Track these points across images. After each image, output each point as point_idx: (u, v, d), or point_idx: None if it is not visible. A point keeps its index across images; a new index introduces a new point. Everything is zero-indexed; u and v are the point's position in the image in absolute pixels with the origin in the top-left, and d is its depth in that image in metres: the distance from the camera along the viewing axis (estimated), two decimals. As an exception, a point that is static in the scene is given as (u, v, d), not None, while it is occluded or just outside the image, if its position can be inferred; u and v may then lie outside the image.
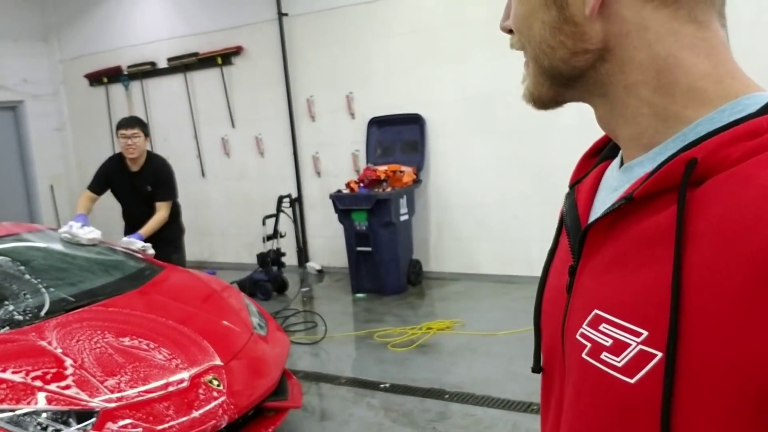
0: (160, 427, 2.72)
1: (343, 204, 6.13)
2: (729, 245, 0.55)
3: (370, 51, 6.67)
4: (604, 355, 0.62)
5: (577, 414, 0.68)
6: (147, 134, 4.66)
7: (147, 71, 8.26)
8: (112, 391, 2.80)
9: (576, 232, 0.72)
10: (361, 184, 6.19)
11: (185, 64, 7.91)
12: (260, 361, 3.39)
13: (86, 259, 4.02)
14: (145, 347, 3.11)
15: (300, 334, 5.21)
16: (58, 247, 4.05)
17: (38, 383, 2.74)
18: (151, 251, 4.29)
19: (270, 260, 6.37)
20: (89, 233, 4.09)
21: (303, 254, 7.38)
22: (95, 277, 3.85)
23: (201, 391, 2.96)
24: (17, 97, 8.66)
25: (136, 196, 4.68)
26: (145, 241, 4.42)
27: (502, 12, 0.74)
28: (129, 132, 4.51)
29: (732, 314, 0.53)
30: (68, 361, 2.90)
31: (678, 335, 0.56)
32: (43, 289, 3.54)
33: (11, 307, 3.33)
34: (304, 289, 6.57)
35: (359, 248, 6.09)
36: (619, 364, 0.60)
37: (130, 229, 4.64)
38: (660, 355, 0.57)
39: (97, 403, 2.72)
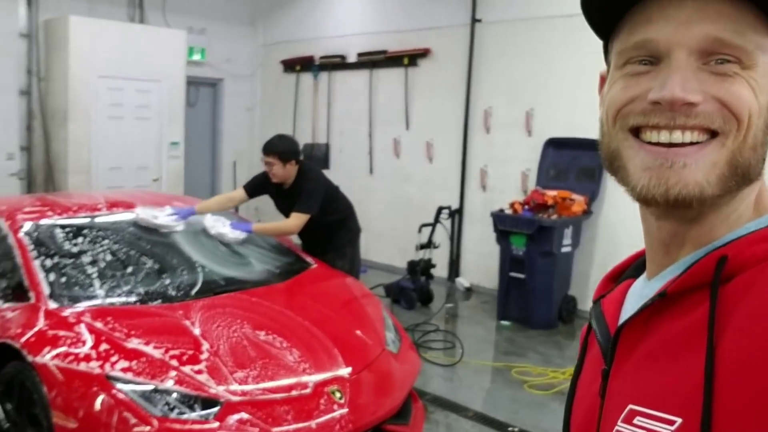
0: (275, 429, 2.72)
1: (504, 225, 5.88)
2: (759, 336, 0.57)
3: (558, 67, 6.34)
4: None
5: None
6: (288, 160, 4.21)
7: (336, 64, 8.51)
8: (239, 383, 2.84)
9: (607, 338, 0.74)
10: (526, 207, 5.91)
11: (373, 61, 8.05)
12: (387, 379, 3.29)
13: (239, 245, 4.16)
14: (278, 345, 3.14)
15: (435, 353, 5.07)
16: (218, 228, 4.22)
17: (174, 362, 2.85)
18: (241, 237, 4.09)
19: (419, 269, 6.30)
20: (234, 234, 4.04)
21: (454, 268, 7.23)
22: (245, 263, 3.97)
23: (322, 400, 2.92)
24: (219, 75, 9.31)
25: (288, 210, 4.39)
26: (311, 245, 4.39)
27: (687, 82, 0.65)
28: (266, 159, 4.25)
29: (763, 397, 0.56)
30: (205, 346, 2.98)
31: (711, 421, 0.58)
32: (199, 268, 3.71)
33: (168, 281, 3.51)
34: (449, 305, 6.42)
35: (512, 273, 5.82)
36: None
37: (303, 242, 4.57)
38: None
39: (223, 393, 2.77)
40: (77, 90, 7.20)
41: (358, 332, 3.48)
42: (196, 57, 8.83)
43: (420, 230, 6.47)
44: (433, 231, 6.45)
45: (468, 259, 7.26)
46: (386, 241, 7.94)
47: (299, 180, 4.30)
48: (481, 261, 7.02)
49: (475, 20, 6.95)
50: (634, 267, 0.82)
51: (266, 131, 9.69)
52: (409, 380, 3.41)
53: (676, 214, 0.68)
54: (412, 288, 6.25)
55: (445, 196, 7.19)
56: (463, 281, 7.12)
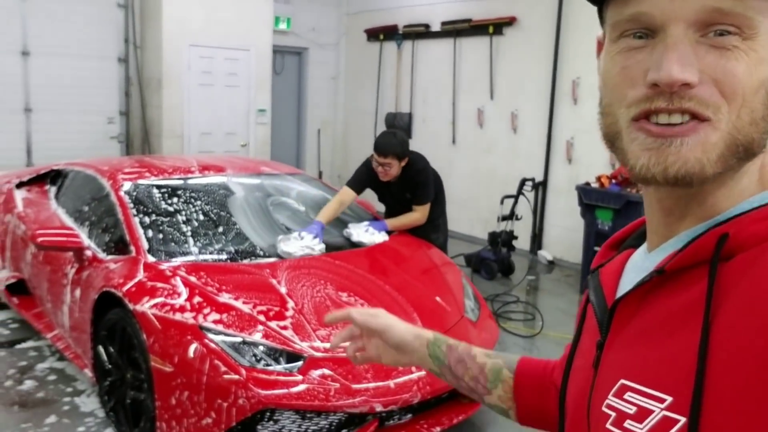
0: (355, 386, 2.81)
1: (589, 198, 5.76)
2: (754, 317, 0.57)
3: (652, 37, 6.08)
4: (627, 423, 0.63)
5: None
6: (404, 158, 4.13)
7: (420, 32, 8.47)
8: (321, 340, 2.94)
9: (603, 310, 0.74)
10: (614, 181, 5.76)
11: (457, 30, 7.96)
12: (465, 345, 3.32)
13: (324, 206, 4.25)
14: (359, 306, 3.22)
15: (515, 324, 5.06)
16: (304, 193, 4.34)
17: (262, 317, 2.98)
18: (385, 239, 4.03)
19: (501, 240, 6.26)
20: (373, 237, 3.97)
21: (537, 241, 7.15)
22: (332, 227, 4.06)
23: (401, 362, 2.98)
24: (304, 44, 9.44)
25: (395, 203, 4.39)
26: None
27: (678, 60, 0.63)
28: (382, 160, 4.09)
29: (755, 380, 0.55)
30: (290, 303, 3.10)
31: (702, 401, 0.57)
32: (284, 231, 3.83)
33: (258, 242, 3.65)
34: (530, 277, 6.37)
35: (597, 248, 5.69)
36: (643, 430, 0.61)
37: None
38: (683, 420, 0.58)
39: (306, 348, 2.88)
40: (170, 58, 7.48)
41: (438, 299, 3.52)
42: (282, 26, 8.98)
43: (502, 202, 6.42)
44: (515, 203, 6.39)
45: (551, 233, 7.16)
46: (466, 210, 7.92)
47: (409, 170, 4.19)
48: (565, 234, 6.91)
49: (564, -13, 6.74)
50: (635, 236, 0.81)
51: (350, 100, 9.81)
52: (486, 347, 3.42)
53: (677, 190, 0.67)
54: (493, 259, 6.23)
55: (529, 167, 7.09)
56: (545, 254, 7.04)
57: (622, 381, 0.65)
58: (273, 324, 2.96)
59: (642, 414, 0.61)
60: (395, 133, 4.29)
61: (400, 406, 2.90)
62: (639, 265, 0.74)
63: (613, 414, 0.65)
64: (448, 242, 4.73)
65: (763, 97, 0.62)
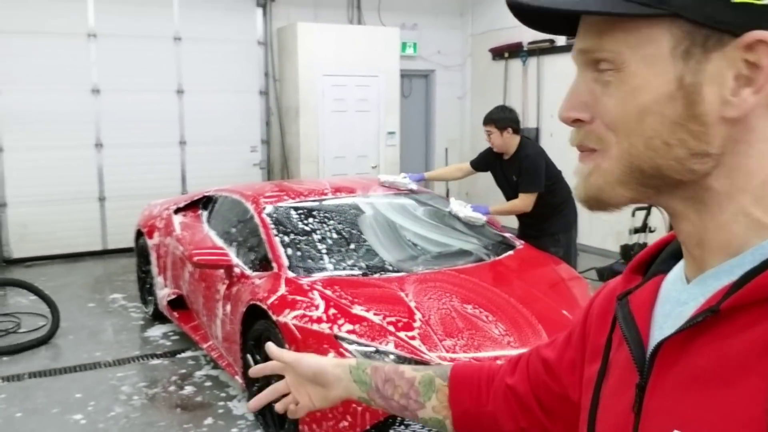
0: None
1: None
2: None
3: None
4: None
5: None
6: (504, 128, 4.44)
7: (545, 48, 8.46)
8: (447, 351, 3.09)
9: (639, 347, 0.69)
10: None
11: (583, 43, 7.87)
12: (592, 358, 3.34)
13: (450, 223, 4.41)
14: (485, 318, 3.33)
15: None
16: (430, 210, 4.52)
17: (391, 328, 3.18)
18: (484, 220, 4.38)
19: (633, 253, 6.09)
20: (473, 214, 4.36)
21: (674, 253, 6.89)
22: (458, 241, 4.21)
23: (526, 372, 3.06)
24: (431, 66, 9.70)
25: (506, 184, 4.63)
26: (525, 230, 4.56)
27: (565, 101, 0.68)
28: (485, 128, 4.52)
29: None
30: (418, 315, 3.28)
31: None
32: (412, 247, 4.03)
33: (387, 258, 3.87)
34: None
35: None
36: None
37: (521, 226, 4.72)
38: None
39: (433, 357, 3.04)
40: (306, 88, 8.00)
41: (564, 312, 3.55)
42: (409, 51, 9.29)
43: (633, 214, 6.26)
44: (648, 214, 6.21)
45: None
46: (598, 224, 7.75)
47: (519, 152, 4.46)
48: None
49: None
50: (662, 259, 0.75)
51: (476, 118, 9.92)
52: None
53: (673, 218, 0.67)
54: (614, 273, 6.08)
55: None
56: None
57: (676, 431, 0.61)
58: (402, 334, 3.14)
59: None
60: (502, 107, 4.74)
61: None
62: (676, 296, 0.68)
63: None
64: (579, 257, 4.73)
65: (654, 122, 0.62)
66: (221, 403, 3.93)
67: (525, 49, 8.75)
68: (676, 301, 0.68)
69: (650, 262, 0.78)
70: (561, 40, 8.20)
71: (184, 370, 4.41)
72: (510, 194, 4.60)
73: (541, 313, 3.46)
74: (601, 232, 7.76)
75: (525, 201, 4.39)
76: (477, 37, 9.74)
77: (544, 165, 4.44)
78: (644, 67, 0.62)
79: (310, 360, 1.13)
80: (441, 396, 1.03)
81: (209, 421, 3.72)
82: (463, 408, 1.01)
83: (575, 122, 0.68)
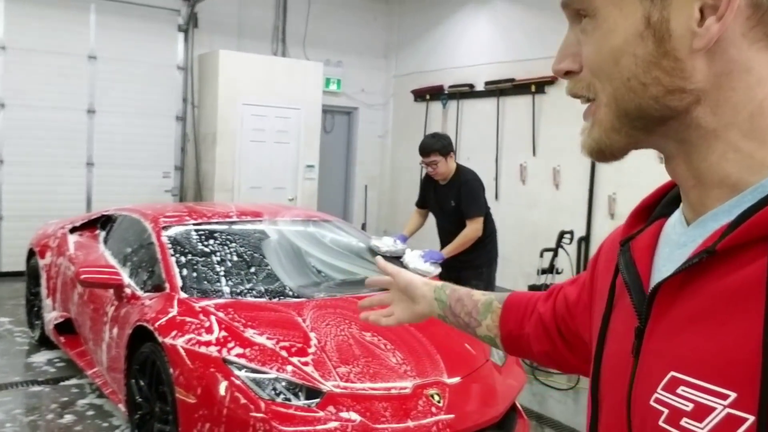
0: (373, 425, 2.82)
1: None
2: None
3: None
4: (684, 422, 0.57)
5: None
6: (448, 153, 4.36)
7: (465, 92, 8.66)
8: (341, 378, 2.98)
9: (639, 292, 0.68)
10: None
11: (500, 89, 8.12)
12: (489, 389, 3.30)
13: (358, 252, 4.35)
14: (383, 346, 3.26)
15: (555, 377, 4.97)
16: (335, 236, 4.45)
17: (284, 353, 3.05)
18: (436, 272, 4.21)
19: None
20: (425, 267, 4.18)
21: (580, 296, 7.05)
22: (363, 269, 4.14)
23: (421, 402, 2.99)
24: (354, 104, 9.77)
25: (439, 211, 4.57)
26: (450, 262, 4.36)
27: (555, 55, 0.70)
28: (427, 160, 4.37)
29: None
30: (313, 341, 3.17)
31: None
32: (314, 273, 3.93)
33: (287, 283, 3.76)
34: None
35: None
36: (703, 431, 0.55)
37: (442, 245, 4.58)
38: (752, 419, 0.52)
39: (326, 385, 2.93)
40: (225, 116, 7.87)
41: (466, 345, 3.52)
42: (333, 87, 9.33)
43: (542, 255, 6.39)
44: (554, 256, 6.34)
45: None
46: (509, 265, 7.86)
47: (457, 177, 4.42)
48: (608, 291, 6.79)
49: (605, 45, 6.85)
50: (665, 202, 0.75)
51: (396, 157, 10.02)
52: (511, 393, 3.39)
53: (667, 160, 0.67)
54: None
55: (572, 222, 7.04)
56: (587, 311, 6.92)
57: (673, 373, 0.59)
58: (295, 359, 3.02)
59: (701, 411, 0.56)
60: (434, 134, 4.58)
61: (417, 446, 2.89)
62: (676, 239, 0.68)
63: (666, 410, 0.59)
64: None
65: (628, 63, 0.63)
66: (102, 434, 3.67)
67: (446, 92, 8.94)
68: (676, 243, 0.68)
69: (653, 207, 0.78)
70: (480, 85, 8.43)
71: (66, 398, 4.11)
72: (444, 221, 4.57)
73: (440, 343, 3.41)
74: (513, 273, 7.88)
75: (474, 227, 4.36)
76: (400, 78, 9.90)
77: (482, 189, 4.49)
78: (614, 10, 0.64)
79: (405, 273, 1.28)
80: (494, 317, 1.14)
81: (86, 452, 3.46)
82: (508, 329, 1.11)
83: (567, 74, 0.69)
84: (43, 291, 4.82)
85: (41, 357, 4.78)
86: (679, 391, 0.58)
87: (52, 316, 4.63)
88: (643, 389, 0.63)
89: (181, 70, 8.12)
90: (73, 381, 4.38)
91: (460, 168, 4.51)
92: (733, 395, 0.54)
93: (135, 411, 3.36)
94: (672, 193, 0.75)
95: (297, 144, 8.46)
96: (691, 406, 0.57)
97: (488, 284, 4.54)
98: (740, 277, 0.57)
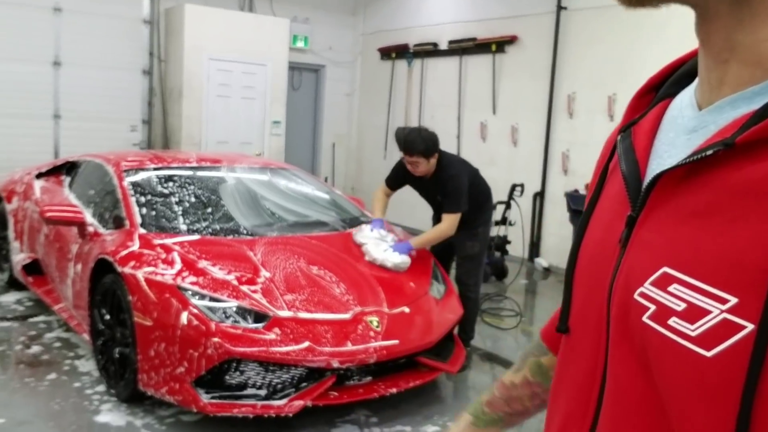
0: (314, 345, 3.11)
1: (576, 204, 6.00)
2: None
3: (641, 53, 6.35)
4: (673, 321, 0.53)
5: (631, 384, 0.58)
6: (431, 155, 4.06)
7: (429, 51, 8.84)
8: (287, 305, 3.25)
9: (635, 179, 0.63)
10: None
11: (463, 48, 8.31)
12: (425, 319, 3.60)
13: (313, 198, 4.60)
14: (328, 279, 3.53)
15: (498, 319, 5.30)
16: (294, 185, 4.68)
17: (235, 282, 3.31)
18: (404, 266, 3.89)
19: (493, 245, 6.51)
20: (396, 258, 3.87)
21: (534, 249, 7.38)
22: (316, 213, 4.39)
23: (360, 327, 3.28)
24: (321, 61, 9.89)
25: (431, 202, 4.39)
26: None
27: None
28: (409, 159, 4.10)
29: None
30: (263, 272, 3.43)
31: None
32: (270, 215, 4.18)
33: (242, 223, 4.00)
34: (524, 281, 6.60)
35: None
36: (693, 333, 0.51)
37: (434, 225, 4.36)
38: (751, 327, 0.48)
39: (272, 310, 3.20)
40: (190, 70, 7.97)
41: (405, 278, 3.80)
42: (300, 44, 9.44)
43: (495, 207, 6.67)
44: (506, 208, 6.65)
45: (548, 241, 7.39)
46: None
47: (439, 171, 4.13)
48: (561, 243, 7.13)
49: (560, 7, 7.07)
50: (671, 82, 0.68)
51: (363, 115, 10.21)
52: (447, 323, 3.69)
53: (698, 19, 0.59)
54: (487, 262, 6.47)
55: (528, 178, 7.34)
56: (542, 261, 7.26)
57: (666, 269, 0.55)
58: (245, 288, 3.28)
59: (694, 313, 0.52)
60: (420, 131, 4.17)
61: (356, 364, 3.18)
62: (683, 123, 0.61)
63: (653, 306, 0.55)
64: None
65: None
66: (68, 361, 3.91)
67: (411, 50, 9.11)
68: (683, 127, 0.61)
69: (659, 88, 0.70)
70: (443, 44, 8.61)
71: (34, 332, 4.34)
72: (438, 208, 4.32)
73: (382, 277, 3.70)
74: (471, 227, 8.19)
75: (449, 223, 4.08)
76: (367, 36, 10.02)
77: (467, 183, 4.15)
78: None
79: None
80: (550, 363, 0.95)
81: (52, 376, 3.70)
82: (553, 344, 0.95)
83: None
84: (11, 234, 4.99)
85: (10, 297, 4.98)
86: (671, 288, 0.54)
87: (19, 257, 4.82)
88: (628, 281, 0.59)
89: (147, 24, 8.17)
90: (42, 318, 4.60)
91: (443, 160, 4.17)
92: (733, 300, 0.49)
93: (98, 338, 3.61)
94: (680, 71, 0.68)
95: (264, 100, 8.61)
96: (683, 305, 0.53)
97: (483, 244, 4.38)
98: (759, 173, 0.50)
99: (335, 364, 3.11)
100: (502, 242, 6.65)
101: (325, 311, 3.29)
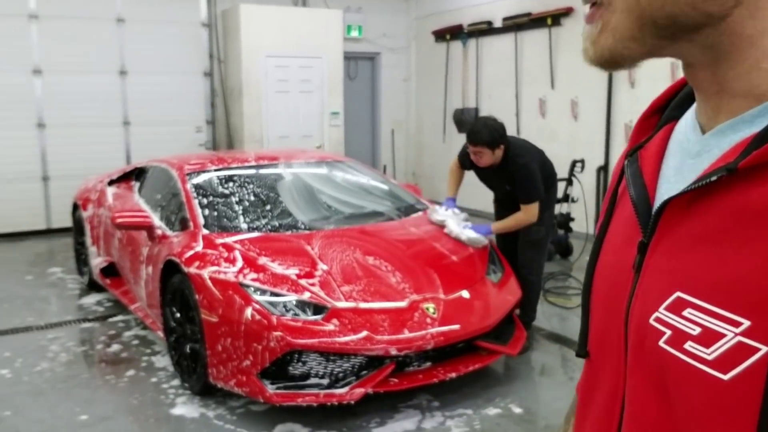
0: (372, 334, 3.18)
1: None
2: None
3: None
4: (689, 345, 0.54)
5: (648, 409, 0.59)
6: (496, 146, 3.94)
7: (483, 30, 8.73)
8: (344, 296, 3.33)
9: (644, 205, 0.64)
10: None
11: (517, 24, 8.17)
12: (483, 302, 3.61)
13: (368, 188, 4.66)
14: (383, 268, 3.59)
15: (564, 299, 5.24)
16: (350, 177, 4.76)
17: (294, 277, 3.41)
18: (480, 245, 3.97)
19: (556, 222, 6.41)
20: (472, 234, 3.97)
21: (600, 224, 7.23)
22: (371, 203, 4.46)
23: (417, 314, 3.33)
24: (376, 49, 9.92)
25: (496, 190, 4.31)
26: (510, 206, 4.12)
27: None
28: (473, 148, 3.98)
29: None
30: (320, 265, 3.52)
31: None
32: (326, 209, 4.27)
33: (299, 217, 4.11)
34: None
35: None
36: (710, 357, 0.52)
37: (498, 216, 4.33)
38: (765, 349, 0.49)
39: (330, 301, 3.29)
40: (249, 69, 8.17)
41: (461, 263, 3.82)
42: (354, 34, 9.50)
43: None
44: (568, 185, 6.53)
45: (614, 216, 7.22)
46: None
47: (507, 161, 4.02)
48: (627, 217, 6.96)
49: (617, -28, 6.84)
50: (674, 105, 0.69)
51: (421, 99, 10.20)
52: (506, 306, 3.69)
53: (686, 66, 0.61)
54: (551, 241, 6.39)
55: (590, 153, 7.18)
56: (608, 237, 7.11)
57: (679, 294, 0.56)
58: (303, 281, 3.38)
59: (709, 337, 0.52)
60: (486, 121, 4.06)
61: (414, 351, 3.24)
62: (688, 147, 0.62)
63: (668, 332, 0.56)
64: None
65: None
66: (145, 358, 4.13)
67: (465, 30, 9.02)
68: (688, 152, 0.62)
69: (663, 110, 0.71)
70: (498, 22, 8.49)
71: (113, 332, 4.59)
72: (504, 198, 4.27)
73: (438, 264, 3.73)
74: (536, 206, 8.08)
75: (529, 213, 4.01)
76: (421, 20, 9.98)
77: (538, 169, 4.04)
78: None
79: None
80: None
81: (131, 373, 3.92)
82: None
83: None
84: (88, 240, 5.29)
85: (91, 299, 5.29)
86: (685, 313, 0.55)
87: (97, 261, 5.11)
88: (643, 307, 0.60)
89: (206, 27, 8.41)
90: (120, 317, 4.86)
91: (511, 149, 4.02)
92: (746, 323, 0.50)
93: (170, 335, 3.80)
94: (682, 93, 0.69)
95: (321, 92, 8.72)
96: (698, 330, 0.53)
97: (548, 228, 4.30)
98: (763, 198, 0.51)
99: (393, 351, 3.18)
100: (566, 219, 6.54)
101: (381, 300, 3.35)
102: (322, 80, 8.70)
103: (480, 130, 3.95)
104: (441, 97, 9.62)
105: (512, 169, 4.00)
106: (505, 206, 4.25)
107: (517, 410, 3.43)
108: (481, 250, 4.00)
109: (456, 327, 3.35)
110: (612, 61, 0.60)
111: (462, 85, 9.21)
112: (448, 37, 9.37)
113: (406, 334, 3.23)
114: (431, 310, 3.36)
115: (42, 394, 3.65)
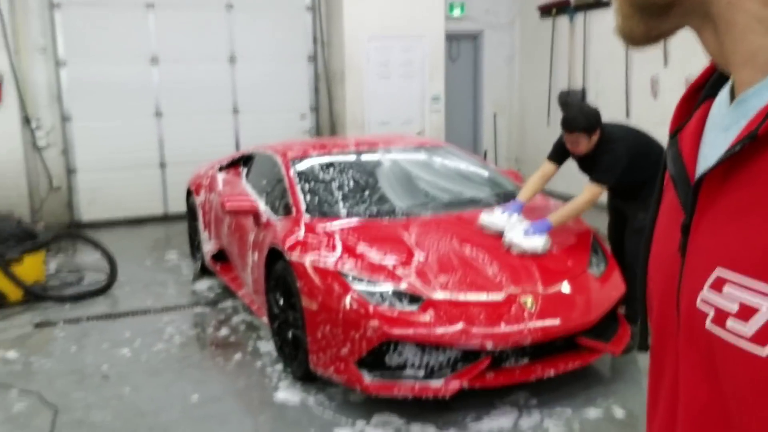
0: (469, 326, 3.15)
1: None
2: None
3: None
4: (730, 323, 0.53)
5: (699, 394, 0.58)
6: (593, 133, 3.89)
7: (591, 3, 8.36)
8: (441, 286, 3.32)
9: (685, 185, 0.63)
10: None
11: (628, -2, 7.76)
12: (584, 297, 3.49)
13: (467, 175, 4.61)
14: (480, 259, 3.55)
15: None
16: (449, 162, 4.72)
17: (391, 265, 3.44)
18: (544, 249, 3.67)
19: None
20: (533, 242, 3.64)
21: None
22: (469, 190, 4.41)
23: (514, 308, 3.27)
24: (479, 27, 9.73)
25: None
26: (620, 197, 4.05)
27: None
28: (568, 136, 3.95)
29: None
30: (417, 254, 3.52)
31: None
32: (424, 195, 4.27)
33: (397, 204, 4.13)
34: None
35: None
36: (749, 332, 0.51)
37: (611, 204, 4.26)
38: None
39: (426, 291, 3.29)
40: (351, 51, 8.24)
41: (562, 256, 3.71)
42: (456, 12, 9.36)
43: (669, 169, 6.23)
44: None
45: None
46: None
47: (600, 147, 3.94)
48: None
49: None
50: (711, 83, 0.69)
51: (525, 81, 9.93)
52: (609, 301, 3.55)
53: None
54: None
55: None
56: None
57: (719, 270, 0.55)
58: (399, 270, 3.40)
59: (746, 312, 0.51)
60: (582, 107, 4.08)
61: (511, 346, 3.18)
62: (720, 122, 0.62)
63: (712, 311, 0.55)
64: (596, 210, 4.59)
65: None
66: (251, 343, 4.31)
67: (572, 5, 8.66)
68: (720, 126, 0.62)
69: (703, 85, 0.71)
70: (607, -4, 8.10)
71: (222, 316, 4.82)
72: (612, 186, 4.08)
73: (540, 257, 3.63)
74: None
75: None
76: (525, -5, 9.69)
77: (626, 155, 3.90)
78: None
79: None
80: None
81: (238, 356, 4.10)
82: None
83: None
84: (200, 225, 5.56)
85: (203, 284, 5.56)
86: (725, 290, 0.54)
87: (208, 247, 5.36)
88: (691, 290, 0.59)
89: (310, 11, 8.54)
90: (229, 303, 5.09)
91: (605, 134, 3.95)
92: None
93: (274, 321, 3.94)
94: (718, 72, 0.69)
95: (422, 76, 8.67)
96: (736, 306, 0.52)
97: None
98: None
99: (489, 345, 3.14)
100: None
101: (477, 292, 3.32)
102: (423, 62, 8.64)
103: (576, 116, 3.93)
104: (546, 77, 9.31)
105: (603, 150, 3.94)
106: (616, 194, 4.18)
107: (619, 412, 3.30)
108: (582, 241, 3.87)
109: (555, 322, 3.26)
110: (628, 38, 0.66)
111: (568, 64, 8.87)
112: (554, 11, 9.03)
113: (503, 328, 3.18)
114: (529, 304, 3.29)
115: (158, 374, 3.90)
